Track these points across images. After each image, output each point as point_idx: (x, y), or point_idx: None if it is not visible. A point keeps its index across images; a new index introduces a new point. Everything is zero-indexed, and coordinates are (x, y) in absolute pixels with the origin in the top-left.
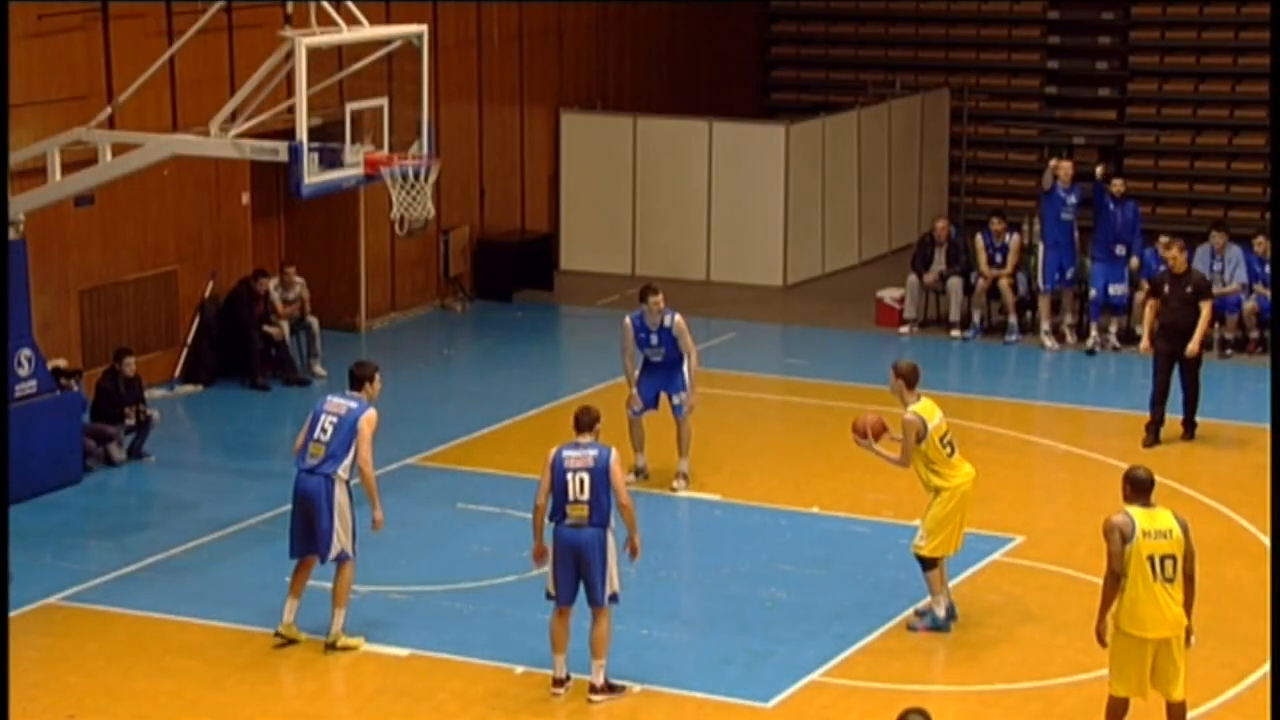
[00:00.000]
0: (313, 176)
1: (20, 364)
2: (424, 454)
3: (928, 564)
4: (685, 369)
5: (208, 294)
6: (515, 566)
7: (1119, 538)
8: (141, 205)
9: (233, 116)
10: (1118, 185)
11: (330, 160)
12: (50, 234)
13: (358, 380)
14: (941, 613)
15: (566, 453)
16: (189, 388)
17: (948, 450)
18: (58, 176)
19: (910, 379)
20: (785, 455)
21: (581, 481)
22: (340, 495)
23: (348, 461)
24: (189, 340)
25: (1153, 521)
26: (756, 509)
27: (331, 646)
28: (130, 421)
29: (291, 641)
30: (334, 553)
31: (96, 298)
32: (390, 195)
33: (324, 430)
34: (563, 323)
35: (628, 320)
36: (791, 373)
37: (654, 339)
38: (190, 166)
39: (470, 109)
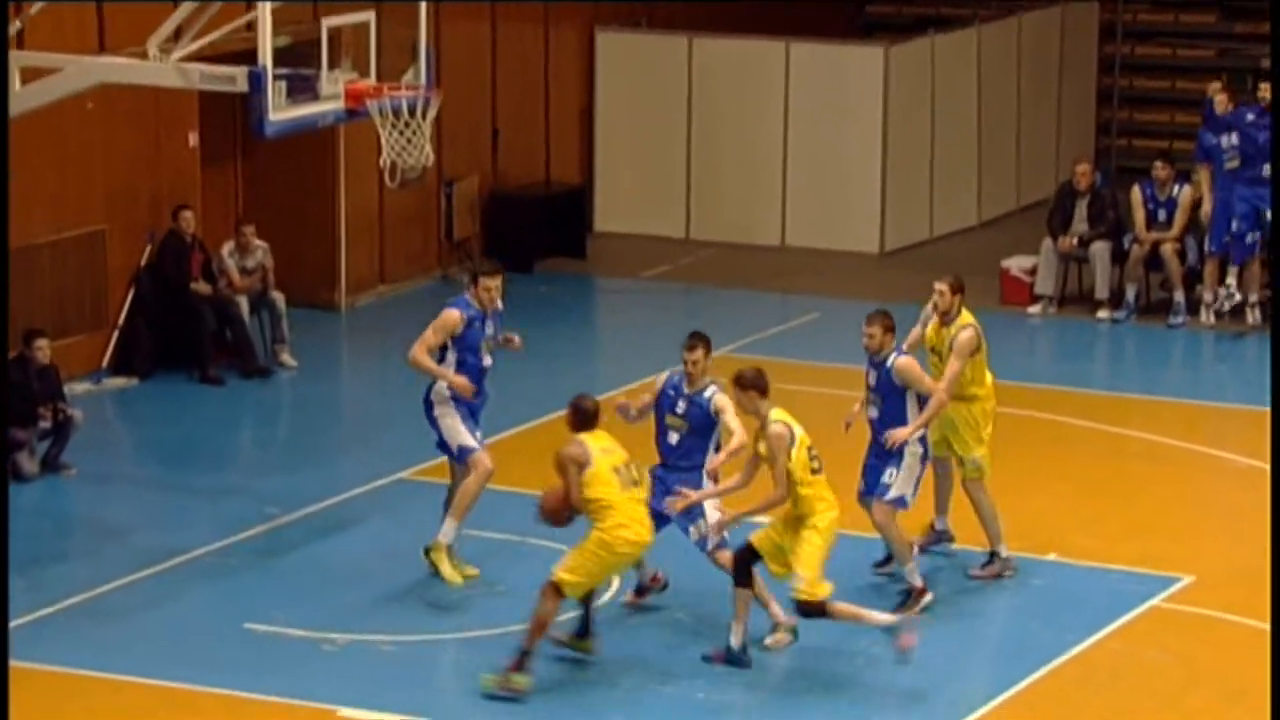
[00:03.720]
0: (279, 111)
1: None
2: (419, 466)
3: (816, 610)
4: (708, 466)
5: (145, 261)
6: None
7: None
8: (59, 147)
9: (176, 34)
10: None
11: (302, 91)
12: None
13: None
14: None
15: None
16: (120, 380)
17: (815, 465)
18: None
19: (763, 387)
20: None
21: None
22: (437, 404)
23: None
24: (120, 320)
25: None
26: (857, 539)
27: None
28: (45, 424)
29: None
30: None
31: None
32: (378, 136)
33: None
34: (598, 299)
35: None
36: None
37: (680, 406)
38: (122, 98)
39: (481, 27)
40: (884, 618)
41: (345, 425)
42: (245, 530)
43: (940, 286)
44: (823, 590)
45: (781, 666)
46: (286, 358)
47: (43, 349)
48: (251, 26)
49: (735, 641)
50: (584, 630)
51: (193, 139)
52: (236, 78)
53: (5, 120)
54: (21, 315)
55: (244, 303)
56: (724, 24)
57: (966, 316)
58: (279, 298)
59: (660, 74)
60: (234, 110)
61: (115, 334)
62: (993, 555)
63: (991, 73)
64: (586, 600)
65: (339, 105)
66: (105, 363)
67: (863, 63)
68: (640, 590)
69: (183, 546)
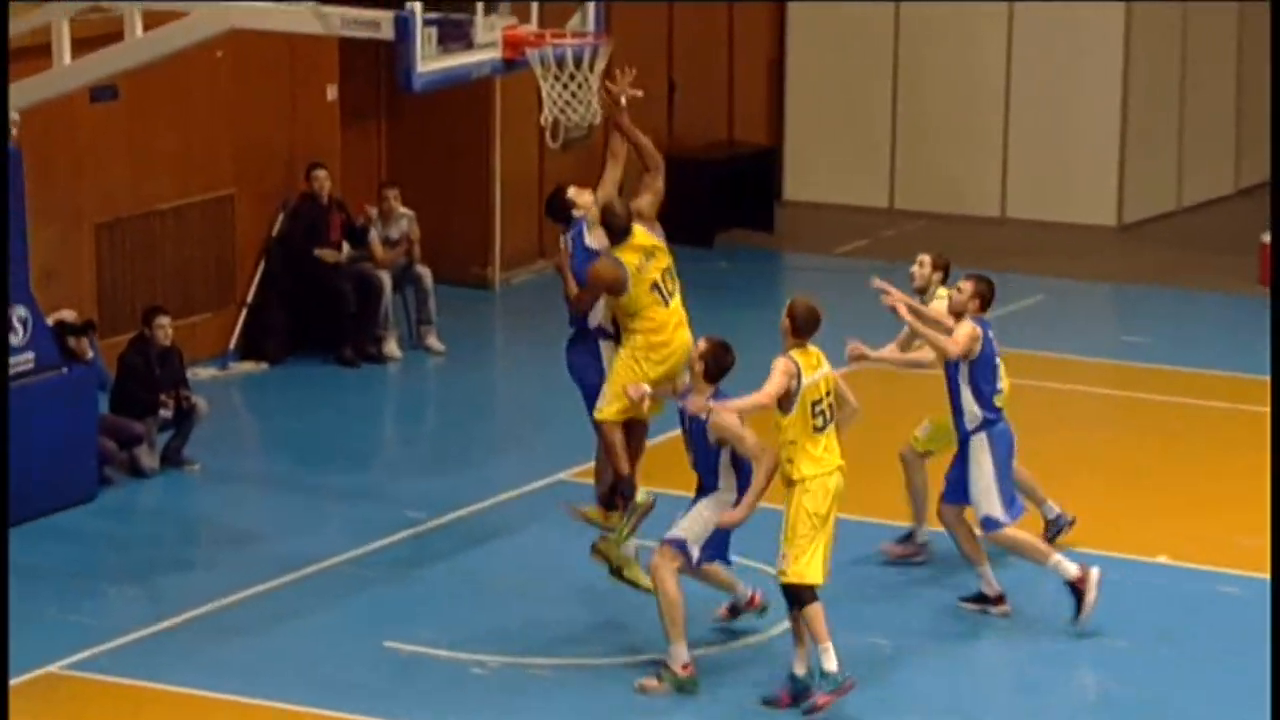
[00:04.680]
0: (428, 62)
1: (13, 328)
2: (581, 466)
3: (802, 597)
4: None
5: (276, 231)
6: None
7: None
8: (184, 103)
9: None
10: None
11: (454, 38)
12: (56, 142)
13: (561, 215)
14: (832, 666)
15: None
16: (249, 365)
17: (818, 422)
18: (66, 59)
19: (800, 326)
20: (1118, 478)
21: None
22: (606, 351)
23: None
24: (250, 298)
25: None
26: (1073, 555)
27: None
28: (166, 412)
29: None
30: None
31: (120, 234)
32: (539, 90)
33: (566, 283)
34: (788, 278)
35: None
36: (1129, 355)
37: (686, 423)
38: (253, 47)
39: None
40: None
41: (498, 420)
42: (385, 537)
43: (923, 257)
44: (811, 573)
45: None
46: (433, 341)
47: (164, 328)
48: None
49: (799, 669)
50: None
51: (331, 93)
52: (381, 23)
53: (5, 113)
54: (141, 291)
55: (386, 278)
56: None
57: (943, 292)
58: (425, 273)
59: (863, 20)
60: (377, 61)
61: (243, 313)
62: (910, 534)
63: (1254, 24)
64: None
65: (496, 55)
66: (232, 345)
67: (1101, 17)
68: (734, 609)
69: (316, 555)
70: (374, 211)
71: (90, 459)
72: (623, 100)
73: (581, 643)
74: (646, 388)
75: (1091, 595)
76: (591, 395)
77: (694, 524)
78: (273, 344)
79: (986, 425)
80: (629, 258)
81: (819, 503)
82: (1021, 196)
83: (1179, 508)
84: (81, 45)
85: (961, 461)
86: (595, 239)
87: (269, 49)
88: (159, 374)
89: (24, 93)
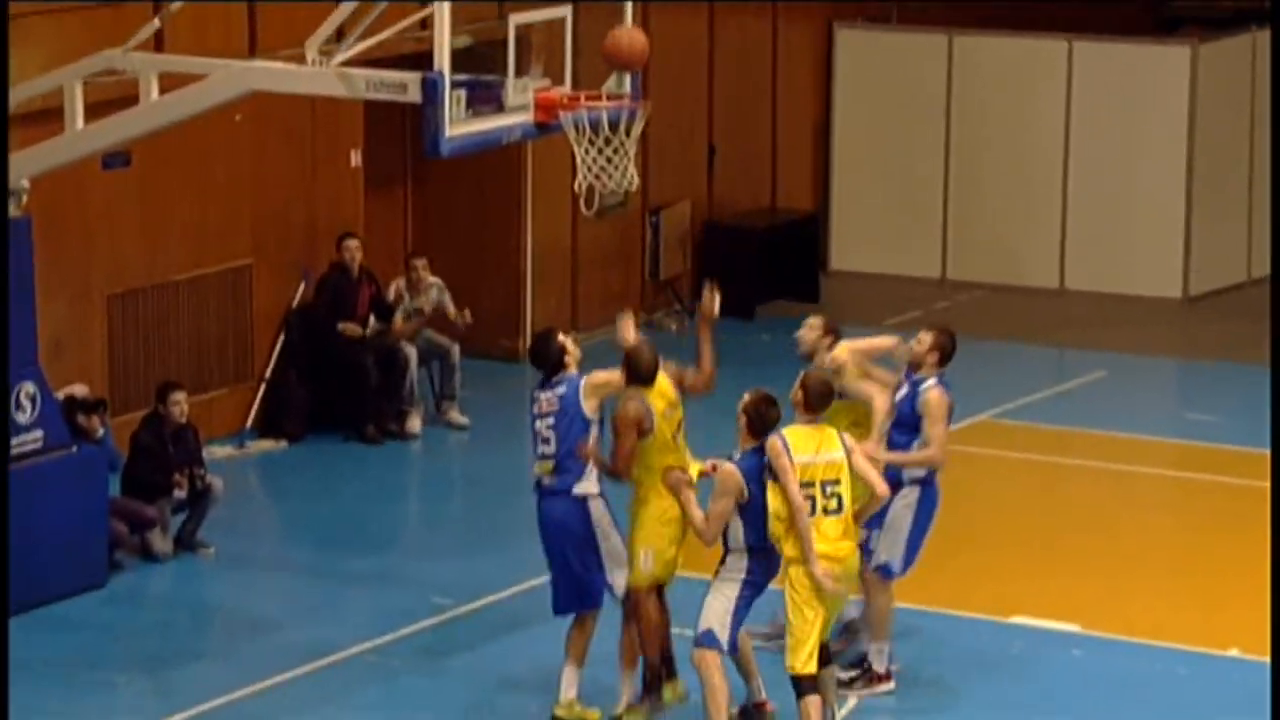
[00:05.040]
0: (457, 125)
1: (20, 405)
2: None
3: (799, 687)
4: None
5: (297, 302)
6: None
7: None
8: (201, 169)
9: (338, 35)
10: None
11: (484, 101)
12: (67, 210)
13: (550, 364)
14: None
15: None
16: (268, 443)
17: (806, 506)
18: (79, 124)
19: (812, 400)
20: (1184, 565)
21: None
22: (598, 514)
23: (592, 469)
24: (269, 372)
25: None
26: (1139, 647)
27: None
28: (181, 493)
29: None
30: (617, 589)
31: (133, 307)
32: (573, 155)
33: (544, 441)
34: None
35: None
36: (1195, 434)
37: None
38: (274, 110)
39: (697, 24)
40: None
41: (527, 499)
42: (410, 625)
43: (812, 321)
44: (800, 664)
45: None
46: (457, 415)
47: (179, 404)
48: (426, 25)
49: None
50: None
51: (355, 158)
52: (408, 85)
53: (5, 115)
54: (154, 365)
55: (412, 351)
56: (991, 18)
57: (832, 358)
58: (453, 347)
59: (913, 79)
60: (404, 124)
61: (262, 388)
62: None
63: None
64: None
65: (528, 118)
66: (250, 422)
67: (1165, 64)
68: (745, 713)
69: (336, 643)
70: (402, 282)
71: (100, 543)
72: (714, 313)
73: None
74: (689, 476)
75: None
76: (579, 576)
77: (710, 611)
78: (292, 421)
79: (922, 482)
80: (655, 402)
81: (803, 595)
82: (1081, 266)
83: (1250, 597)
84: (94, 109)
85: (882, 513)
86: (591, 406)
87: (290, 112)
88: (173, 453)
89: (34, 159)
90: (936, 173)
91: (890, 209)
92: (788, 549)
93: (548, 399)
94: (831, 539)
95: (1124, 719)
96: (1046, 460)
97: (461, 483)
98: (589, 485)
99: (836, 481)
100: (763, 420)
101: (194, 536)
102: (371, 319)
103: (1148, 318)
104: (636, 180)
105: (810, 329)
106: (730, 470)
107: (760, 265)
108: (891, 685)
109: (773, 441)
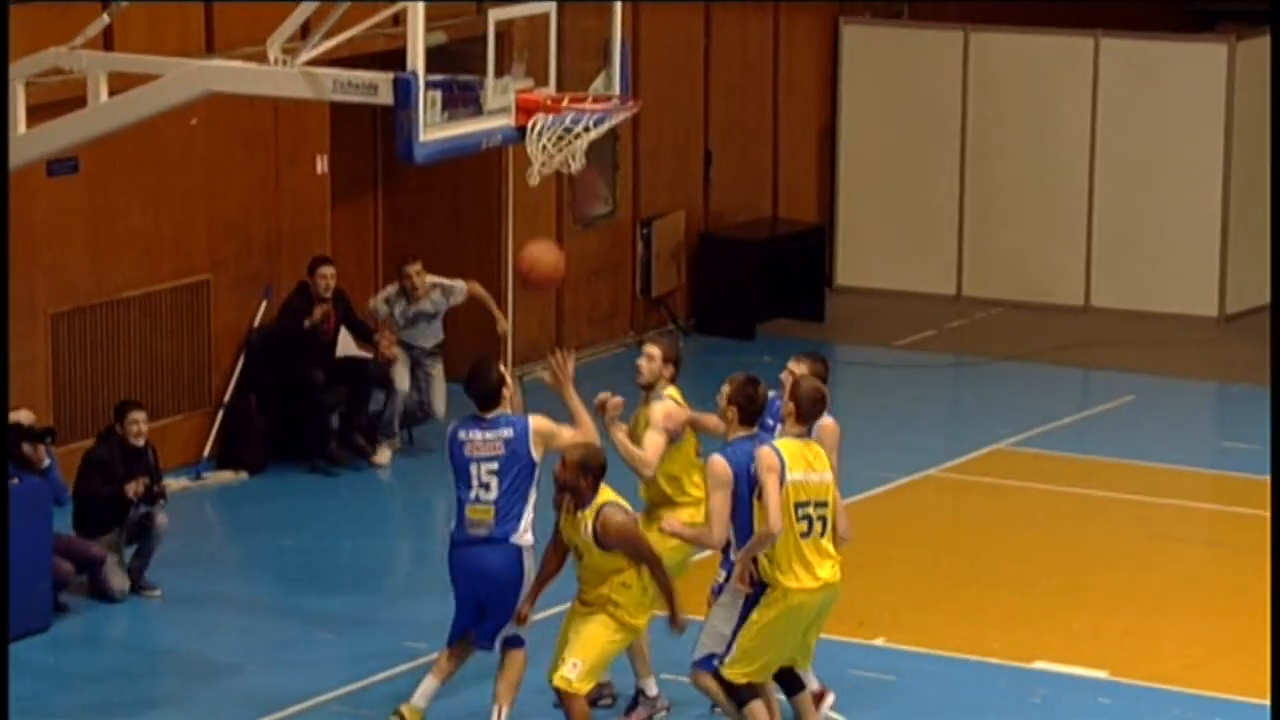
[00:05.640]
0: (432, 129)
1: None
2: None
3: (740, 694)
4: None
5: (258, 322)
6: None
7: None
8: (155, 176)
9: (302, 32)
10: None
11: (461, 103)
12: (8, 221)
13: (487, 397)
14: None
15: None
16: (227, 475)
17: (802, 527)
18: (21, 128)
19: (805, 410)
20: (1219, 605)
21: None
22: (530, 567)
23: (530, 517)
24: (227, 398)
25: None
26: (1171, 695)
27: None
28: (137, 502)
29: None
30: (504, 634)
31: (80, 325)
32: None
33: (483, 485)
34: (840, 374)
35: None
36: (1232, 464)
37: None
38: (234, 114)
39: (692, 19)
40: None
41: None
42: (382, 671)
43: (650, 350)
44: (735, 671)
45: None
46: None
47: (138, 424)
48: (399, 21)
49: None
50: None
51: (321, 165)
52: (379, 86)
53: (5, 110)
54: (102, 389)
55: (404, 373)
56: (1010, 13)
57: (671, 392)
58: (436, 371)
59: (926, 80)
60: (374, 128)
61: (220, 415)
62: (639, 695)
63: None
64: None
65: (509, 121)
66: (207, 452)
67: (1199, 62)
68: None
69: (302, 691)
70: (392, 291)
71: (44, 583)
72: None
73: None
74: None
75: None
76: (496, 623)
77: (709, 637)
78: (252, 450)
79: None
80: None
81: (772, 616)
82: (1108, 282)
83: None
84: (39, 112)
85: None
86: (539, 454)
87: (251, 116)
88: (126, 473)
89: None
90: (951, 181)
91: (901, 220)
92: (768, 573)
93: (487, 440)
94: (813, 565)
95: None
96: (1070, 492)
97: (438, 516)
98: (527, 536)
99: (824, 503)
100: (753, 403)
101: (140, 576)
102: (342, 342)
103: (1180, 337)
104: (581, 161)
105: (649, 359)
106: (716, 460)
107: (761, 281)
108: None
109: (766, 454)
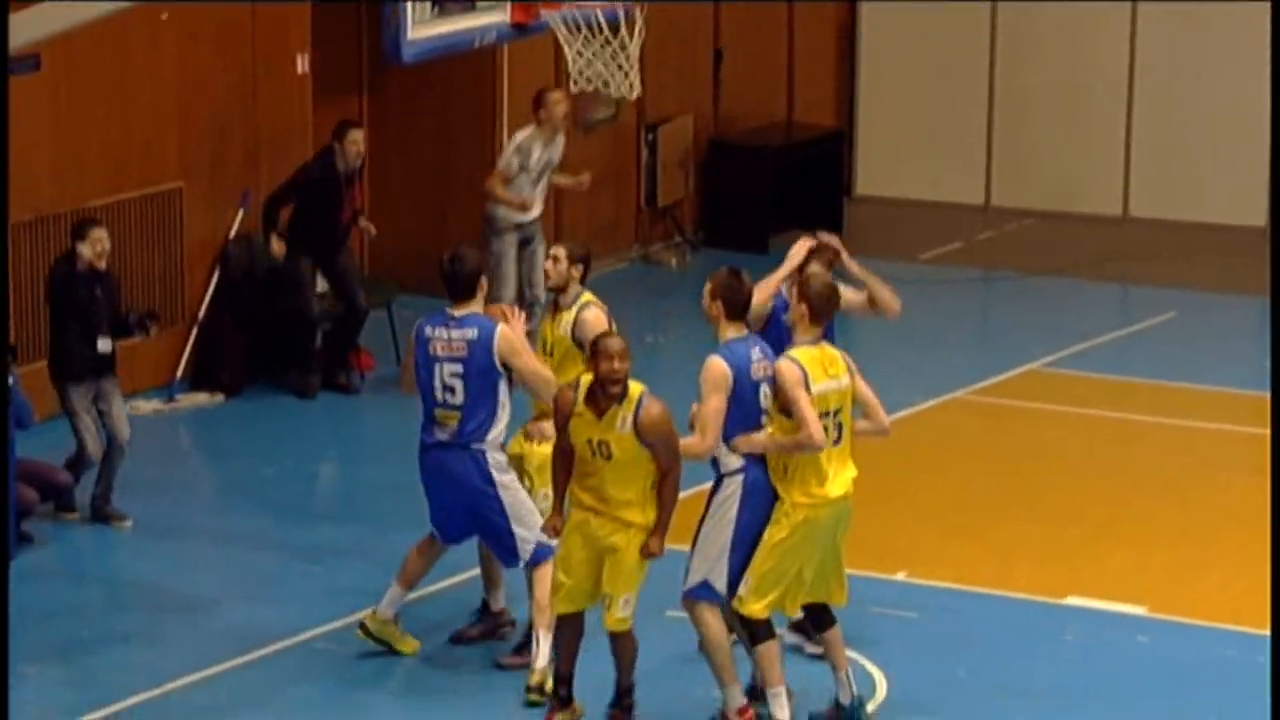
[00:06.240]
0: (422, 27)
1: None
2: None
3: (758, 632)
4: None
5: (235, 232)
6: None
7: None
8: (122, 76)
9: None
10: None
11: None
12: None
13: (462, 284)
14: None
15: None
16: (201, 396)
17: (833, 436)
18: None
19: (818, 308)
20: (1264, 536)
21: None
22: (501, 476)
23: (501, 426)
24: (201, 315)
25: None
26: (1213, 632)
27: (539, 689)
28: (104, 345)
29: (385, 645)
30: (525, 556)
31: (42, 236)
32: (558, 61)
33: (448, 389)
34: None
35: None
36: None
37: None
38: (207, 8)
39: None
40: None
41: None
42: (367, 606)
43: (556, 251)
44: (755, 604)
45: None
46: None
47: (100, 242)
48: None
49: (845, 697)
50: None
51: (302, 64)
52: None
53: (5, 88)
54: None
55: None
56: None
57: (588, 296)
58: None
59: None
60: (359, 25)
61: (194, 333)
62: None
63: None
64: None
65: (503, 18)
66: (180, 373)
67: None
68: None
69: (283, 628)
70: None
71: (5, 512)
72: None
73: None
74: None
75: None
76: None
77: (700, 560)
78: (228, 370)
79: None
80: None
81: (784, 534)
82: (1148, 190)
83: None
84: None
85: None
86: (500, 355)
87: (226, 10)
88: (94, 299)
89: None
90: (980, 81)
91: (926, 124)
92: (783, 487)
93: (451, 339)
94: (827, 477)
95: (1195, 714)
96: (1108, 416)
97: None
98: (496, 443)
99: (840, 409)
100: (739, 296)
101: (106, 504)
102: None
103: (1226, 249)
104: (639, 89)
105: (555, 260)
106: (715, 361)
107: (775, 190)
108: None
109: (788, 367)
